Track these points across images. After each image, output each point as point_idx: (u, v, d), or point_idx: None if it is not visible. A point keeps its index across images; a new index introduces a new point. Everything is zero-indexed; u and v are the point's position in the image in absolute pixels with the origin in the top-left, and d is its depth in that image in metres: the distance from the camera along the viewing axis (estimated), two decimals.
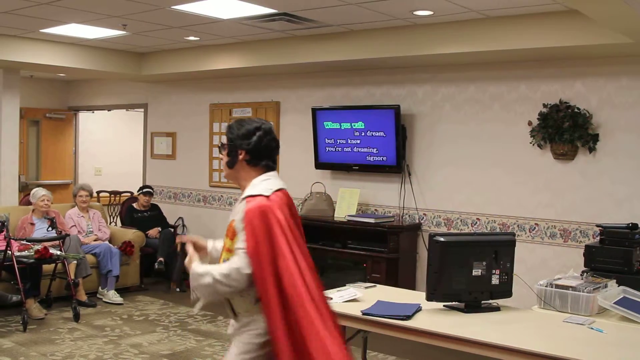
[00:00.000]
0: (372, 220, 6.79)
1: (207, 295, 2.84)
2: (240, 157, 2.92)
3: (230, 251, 2.86)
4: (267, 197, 2.82)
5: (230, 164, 2.97)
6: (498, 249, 3.83)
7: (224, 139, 3.00)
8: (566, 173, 6.09)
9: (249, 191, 2.87)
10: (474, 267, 3.74)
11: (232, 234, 2.86)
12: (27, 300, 6.41)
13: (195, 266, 2.86)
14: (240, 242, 2.78)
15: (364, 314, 3.62)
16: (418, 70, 6.95)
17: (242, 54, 7.53)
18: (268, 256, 2.73)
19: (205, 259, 3.05)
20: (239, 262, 2.76)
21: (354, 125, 7.17)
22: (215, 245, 3.14)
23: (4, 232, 6.46)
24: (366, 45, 6.54)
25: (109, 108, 10.78)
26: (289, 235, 2.78)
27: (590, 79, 5.95)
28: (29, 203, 7.57)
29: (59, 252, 6.67)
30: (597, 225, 5.01)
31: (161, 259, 7.93)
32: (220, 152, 3.08)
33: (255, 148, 2.91)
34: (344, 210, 7.16)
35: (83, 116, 11.30)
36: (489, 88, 6.53)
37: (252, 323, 2.87)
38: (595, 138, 5.89)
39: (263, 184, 2.88)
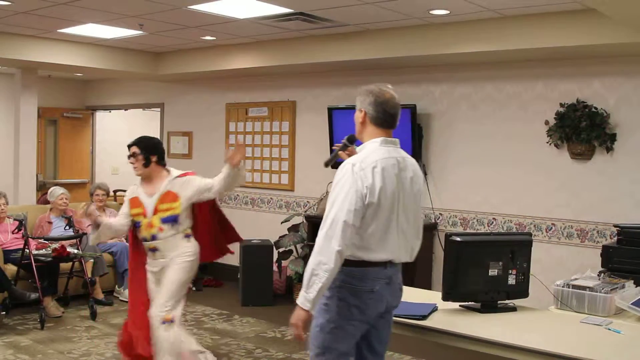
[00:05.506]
0: None
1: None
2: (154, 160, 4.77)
3: (171, 209, 4.66)
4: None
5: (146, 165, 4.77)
6: (515, 248, 3.81)
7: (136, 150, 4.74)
8: (583, 173, 6.05)
9: (175, 173, 4.79)
10: (490, 267, 3.73)
11: (172, 198, 4.68)
12: (44, 298, 6.46)
13: None
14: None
15: None
16: (434, 70, 6.94)
17: (258, 53, 7.55)
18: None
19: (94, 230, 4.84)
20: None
21: None
22: (109, 222, 4.89)
23: (22, 231, 6.52)
24: (382, 44, 6.54)
25: (126, 107, 10.85)
26: None
27: (608, 78, 5.90)
28: (47, 202, 7.63)
29: (76, 251, 6.73)
30: (615, 226, 4.98)
31: None
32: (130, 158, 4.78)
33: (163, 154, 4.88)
34: None
35: (100, 115, 11.37)
36: (505, 87, 6.50)
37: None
38: (612, 137, 5.85)
39: (175, 171, 4.83)
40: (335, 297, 3.02)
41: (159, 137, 9.70)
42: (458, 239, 3.73)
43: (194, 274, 4.81)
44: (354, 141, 3.50)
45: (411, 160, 3.24)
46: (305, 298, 2.90)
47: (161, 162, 4.82)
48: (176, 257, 4.66)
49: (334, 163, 3.52)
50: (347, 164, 3.03)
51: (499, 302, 3.80)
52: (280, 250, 7.60)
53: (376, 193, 2.98)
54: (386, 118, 3.17)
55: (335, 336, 3.05)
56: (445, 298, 3.74)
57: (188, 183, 4.73)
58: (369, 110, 3.18)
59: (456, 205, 6.83)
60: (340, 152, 3.52)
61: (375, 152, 3.09)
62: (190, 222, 4.81)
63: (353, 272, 3.02)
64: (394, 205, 3.06)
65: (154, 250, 4.73)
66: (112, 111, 11.22)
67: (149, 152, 4.75)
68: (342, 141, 3.52)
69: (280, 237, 7.63)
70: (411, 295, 4.10)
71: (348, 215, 2.90)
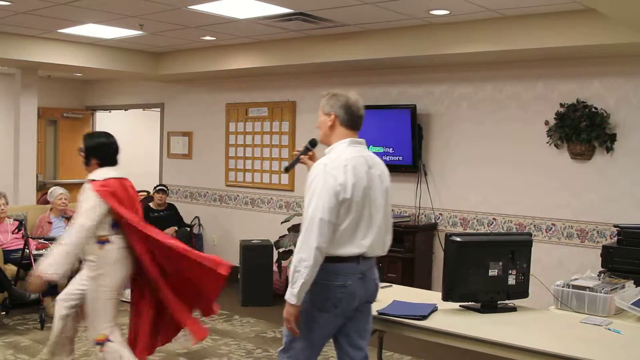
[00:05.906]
0: None
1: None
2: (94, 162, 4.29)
3: None
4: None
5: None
6: (515, 249, 3.81)
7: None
8: (583, 173, 6.05)
9: (90, 177, 4.23)
10: (490, 267, 3.73)
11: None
12: (44, 298, 6.45)
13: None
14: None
15: (380, 313, 3.61)
16: (434, 70, 6.94)
17: (259, 53, 7.55)
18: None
19: None
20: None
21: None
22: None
23: (22, 231, 6.52)
24: (382, 44, 6.54)
25: (126, 108, 10.85)
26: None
27: (608, 78, 5.90)
28: (47, 202, 7.63)
29: None
30: (615, 226, 4.97)
31: None
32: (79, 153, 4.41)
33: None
34: None
35: (100, 116, 11.37)
36: (505, 87, 6.50)
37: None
38: (612, 138, 5.85)
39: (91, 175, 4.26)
40: (310, 291, 3.14)
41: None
42: (458, 239, 3.73)
43: (117, 286, 4.30)
44: (315, 145, 3.64)
45: (378, 159, 3.39)
46: (291, 293, 3.09)
47: (104, 165, 4.32)
48: (85, 268, 4.23)
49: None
50: (319, 164, 3.19)
51: (499, 302, 3.80)
52: (280, 250, 7.60)
53: (349, 189, 3.11)
54: (355, 120, 3.33)
55: (307, 325, 3.21)
56: (445, 298, 3.73)
57: (83, 197, 4.16)
58: (340, 113, 3.31)
59: (456, 205, 6.83)
60: (301, 157, 3.64)
61: (345, 152, 3.24)
62: (106, 231, 4.18)
63: (326, 267, 3.13)
64: (365, 201, 3.19)
65: None
66: (112, 111, 11.21)
67: (89, 153, 4.33)
68: (303, 145, 3.64)
69: (280, 237, 7.63)
70: (411, 295, 4.10)
71: (323, 213, 3.05)
